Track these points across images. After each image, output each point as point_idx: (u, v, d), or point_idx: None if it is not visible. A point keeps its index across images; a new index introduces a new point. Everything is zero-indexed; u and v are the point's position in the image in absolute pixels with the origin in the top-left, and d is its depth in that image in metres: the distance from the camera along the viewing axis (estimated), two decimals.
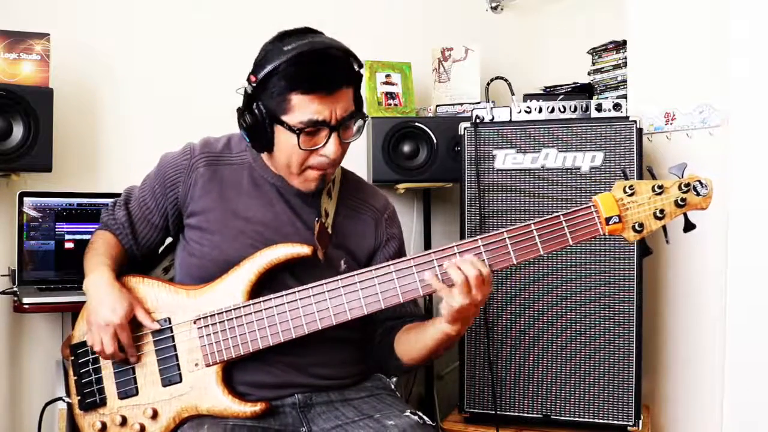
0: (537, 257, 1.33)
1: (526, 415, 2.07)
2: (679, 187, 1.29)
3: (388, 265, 1.34)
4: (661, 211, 1.29)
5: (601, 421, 2.01)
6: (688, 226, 1.32)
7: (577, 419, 2.03)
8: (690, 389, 2.23)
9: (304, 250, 1.41)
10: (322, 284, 1.36)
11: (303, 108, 1.35)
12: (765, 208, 1.99)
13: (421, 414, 1.42)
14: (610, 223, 1.29)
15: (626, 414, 2.00)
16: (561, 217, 1.31)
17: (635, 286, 2.00)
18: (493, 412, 2.06)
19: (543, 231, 1.31)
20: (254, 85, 1.38)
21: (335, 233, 1.50)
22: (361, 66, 1.43)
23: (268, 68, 1.35)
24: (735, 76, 2.04)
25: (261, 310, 1.38)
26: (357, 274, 1.35)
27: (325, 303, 1.36)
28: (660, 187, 1.29)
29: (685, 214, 1.31)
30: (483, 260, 1.31)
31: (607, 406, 2.01)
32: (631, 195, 1.30)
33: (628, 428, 2.00)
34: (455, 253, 1.32)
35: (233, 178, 1.50)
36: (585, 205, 1.32)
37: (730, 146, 2.05)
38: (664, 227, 1.32)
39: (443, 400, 2.61)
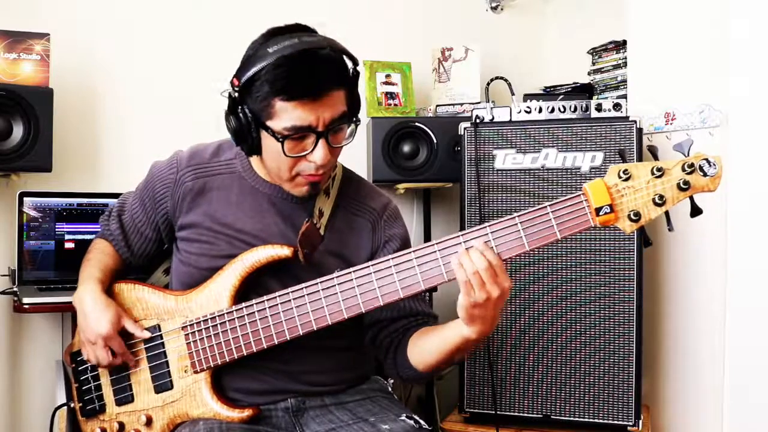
0: (523, 253, 1.21)
1: (526, 415, 2.07)
2: (683, 168, 1.14)
3: (367, 267, 1.28)
4: (661, 196, 1.14)
5: (601, 421, 2.01)
6: (695, 211, 1.17)
7: (577, 419, 2.03)
8: (690, 389, 2.23)
9: (284, 251, 1.37)
10: (302, 288, 1.32)
11: (287, 114, 1.29)
12: (765, 208, 1.99)
13: (417, 418, 1.40)
14: (601, 213, 1.15)
15: (626, 414, 2.00)
16: (548, 207, 1.19)
17: (635, 286, 2.00)
18: (493, 412, 2.06)
19: (528, 224, 1.20)
20: (237, 88, 1.32)
21: (331, 239, 1.45)
22: (356, 64, 1.36)
23: (251, 72, 1.28)
24: (735, 76, 2.04)
25: (243, 316, 1.36)
26: (336, 277, 1.30)
27: (305, 307, 1.31)
28: (660, 169, 1.14)
29: (691, 198, 1.16)
30: (491, 247, 1.20)
31: (607, 406, 2.01)
32: (626, 180, 1.15)
33: (628, 428, 2.00)
34: (434, 251, 1.23)
35: (222, 188, 1.46)
36: (573, 195, 1.19)
37: (730, 146, 2.05)
38: (667, 214, 1.17)
39: (443, 401, 2.61)
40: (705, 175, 1.14)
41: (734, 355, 2.05)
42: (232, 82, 1.33)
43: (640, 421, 2.00)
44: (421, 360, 1.40)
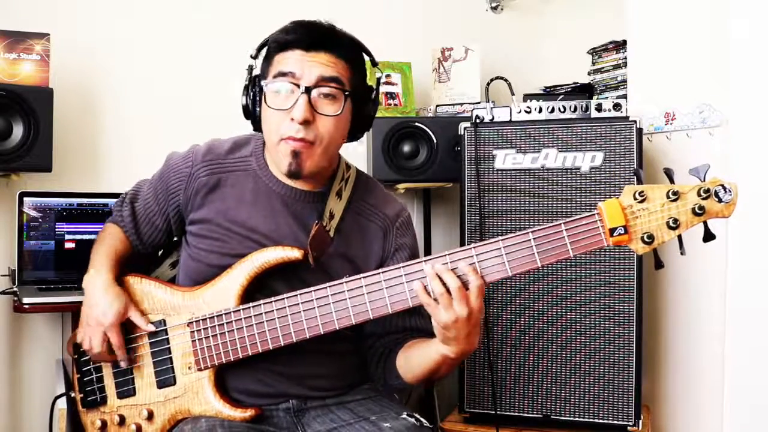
0: (534, 269, 1.22)
1: (526, 415, 2.06)
2: (698, 193, 1.14)
3: (378, 273, 1.28)
4: (675, 220, 1.14)
5: (601, 421, 2.01)
6: (708, 236, 1.17)
7: (577, 419, 2.03)
8: (690, 389, 2.22)
9: (294, 254, 1.36)
10: (311, 291, 1.32)
11: (278, 64, 1.36)
12: (765, 208, 1.99)
13: (418, 416, 1.40)
14: (615, 234, 1.16)
15: (626, 414, 2.00)
16: (562, 225, 1.19)
17: (635, 286, 2.00)
18: (493, 412, 2.06)
19: (542, 241, 1.20)
20: (252, 58, 1.41)
21: (341, 242, 1.44)
22: (362, 50, 1.42)
23: (263, 41, 1.39)
24: (735, 76, 2.04)
25: (251, 316, 1.35)
26: (346, 282, 1.30)
27: (313, 311, 1.31)
28: (675, 193, 1.14)
29: (705, 223, 1.16)
30: (475, 269, 1.21)
31: (607, 406, 2.01)
32: (641, 201, 1.16)
33: (628, 428, 2.00)
34: (446, 263, 1.23)
35: (236, 186, 1.46)
36: (588, 213, 1.19)
37: (730, 146, 2.05)
38: (680, 238, 1.17)
39: (443, 400, 2.61)
40: (720, 201, 1.14)
41: (734, 355, 2.05)
42: (250, 58, 1.42)
43: (640, 421, 2.00)
44: (408, 371, 1.42)
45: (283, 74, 1.34)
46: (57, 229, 2.08)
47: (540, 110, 2.12)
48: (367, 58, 1.44)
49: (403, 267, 1.26)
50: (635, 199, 1.16)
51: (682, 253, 1.18)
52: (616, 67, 2.54)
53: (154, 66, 2.39)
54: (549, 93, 2.63)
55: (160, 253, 1.64)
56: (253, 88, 1.41)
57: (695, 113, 2.15)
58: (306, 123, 1.33)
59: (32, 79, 2.02)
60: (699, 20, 2.17)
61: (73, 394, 1.54)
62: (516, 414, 2.07)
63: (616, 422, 2.00)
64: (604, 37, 2.61)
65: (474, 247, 1.23)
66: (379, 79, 1.46)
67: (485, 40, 2.73)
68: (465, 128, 2.13)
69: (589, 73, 2.64)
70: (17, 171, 2.03)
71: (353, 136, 1.48)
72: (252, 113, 1.42)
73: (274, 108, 1.35)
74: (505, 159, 2.09)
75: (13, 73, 2.00)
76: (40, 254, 2.06)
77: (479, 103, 2.57)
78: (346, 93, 1.37)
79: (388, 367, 1.46)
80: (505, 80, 2.61)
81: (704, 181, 1.16)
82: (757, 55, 2.00)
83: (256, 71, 1.42)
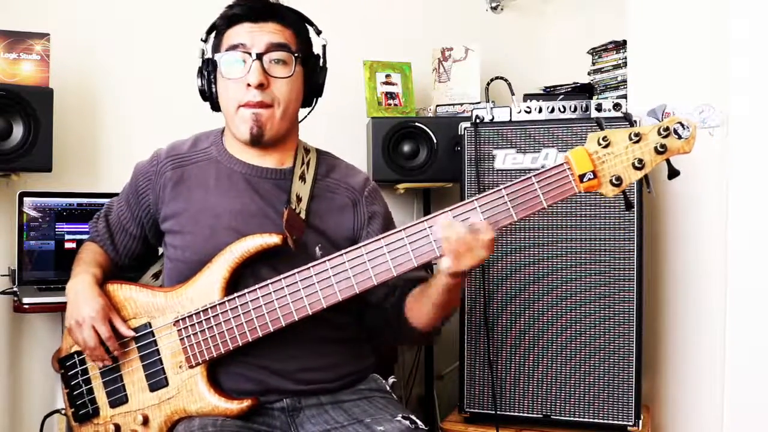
0: (511, 224, 1.25)
1: (526, 415, 2.06)
2: (658, 132, 1.19)
3: (359, 248, 1.29)
4: (640, 160, 1.20)
5: (601, 421, 2.01)
6: (672, 173, 1.23)
7: (577, 419, 2.03)
8: (690, 389, 2.23)
9: (273, 239, 1.37)
10: (294, 274, 1.32)
11: (228, 39, 1.44)
12: (765, 208, 1.99)
13: (413, 418, 1.39)
14: (585, 180, 1.21)
15: (626, 414, 2.00)
16: (533, 178, 1.23)
17: (635, 286, 2.00)
18: (493, 412, 2.06)
19: (515, 196, 1.24)
20: (203, 41, 1.50)
21: (311, 217, 1.46)
22: (305, 20, 1.50)
23: (211, 24, 1.49)
24: (735, 76, 2.04)
25: (236, 306, 1.36)
26: (329, 260, 1.31)
27: (299, 293, 1.32)
28: (637, 134, 1.20)
29: (668, 160, 1.22)
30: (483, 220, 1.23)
31: (607, 406, 2.01)
32: (606, 146, 1.21)
33: (628, 428, 2.00)
34: (425, 229, 1.25)
35: (200, 175, 1.50)
36: (557, 164, 1.24)
37: (730, 146, 2.05)
38: (646, 177, 1.23)
39: (443, 400, 2.61)
40: (680, 137, 1.19)
41: (734, 355, 2.05)
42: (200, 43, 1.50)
43: (640, 421, 2.00)
44: (416, 317, 1.42)
45: (234, 46, 1.42)
46: (57, 229, 2.08)
47: (540, 110, 2.12)
48: (311, 28, 1.52)
49: (383, 238, 1.28)
50: (599, 144, 1.21)
51: (649, 191, 1.25)
52: (616, 67, 2.53)
53: (154, 66, 2.39)
54: (549, 93, 2.62)
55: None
56: (207, 68, 1.48)
57: (695, 113, 2.15)
58: (261, 87, 1.40)
59: (32, 79, 2.02)
60: (699, 20, 2.17)
61: (64, 411, 1.52)
62: (516, 414, 2.07)
63: (616, 422, 2.00)
64: (604, 37, 2.61)
65: (452, 209, 1.25)
66: (324, 47, 1.52)
67: (485, 40, 2.73)
68: (465, 128, 2.13)
69: (589, 73, 2.64)
70: (17, 171, 2.04)
71: (307, 102, 1.54)
72: (209, 94, 1.49)
73: (229, 78, 1.42)
74: (505, 159, 2.09)
75: (13, 73, 2.00)
76: (40, 254, 2.06)
77: (479, 103, 2.57)
78: (296, 55, 1.44)
79: (403, 319, 1.45)
80: (505, 80, 2.61)
81: (662, 120, 1.18)
82: (757, 55, 2.00)
83: (208, 55, 1.49)
